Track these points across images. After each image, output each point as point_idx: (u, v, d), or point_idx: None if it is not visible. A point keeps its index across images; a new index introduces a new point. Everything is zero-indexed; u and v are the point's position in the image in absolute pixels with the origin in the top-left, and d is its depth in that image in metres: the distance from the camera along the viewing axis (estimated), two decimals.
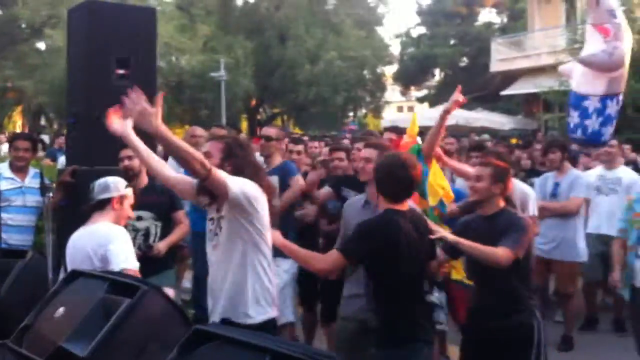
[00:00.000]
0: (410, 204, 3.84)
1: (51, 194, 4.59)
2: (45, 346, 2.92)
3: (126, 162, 4.93)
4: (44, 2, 27.61)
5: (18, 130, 33.07)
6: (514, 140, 14.30)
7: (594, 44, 6.91)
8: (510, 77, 24.20)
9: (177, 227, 5.07)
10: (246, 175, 3.34)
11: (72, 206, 4.77)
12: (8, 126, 33.42)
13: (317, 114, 32.01)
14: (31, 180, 5.53)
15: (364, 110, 36.00)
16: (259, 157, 7.70)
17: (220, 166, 3.30)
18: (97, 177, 4.18)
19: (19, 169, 5.54)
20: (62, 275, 3.88)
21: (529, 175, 6.96)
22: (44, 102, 29.50)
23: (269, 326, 3.38)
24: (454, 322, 5.05)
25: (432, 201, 4.83)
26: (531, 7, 25.00)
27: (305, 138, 9.99)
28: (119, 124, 3.26)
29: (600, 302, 7.23)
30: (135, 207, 4.22)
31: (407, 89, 39.31)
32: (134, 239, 4.67)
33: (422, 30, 37.43)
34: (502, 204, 4.04)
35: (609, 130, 7.19)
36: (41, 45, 31.64)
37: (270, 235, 3.46)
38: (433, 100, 34.97)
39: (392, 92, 40.03)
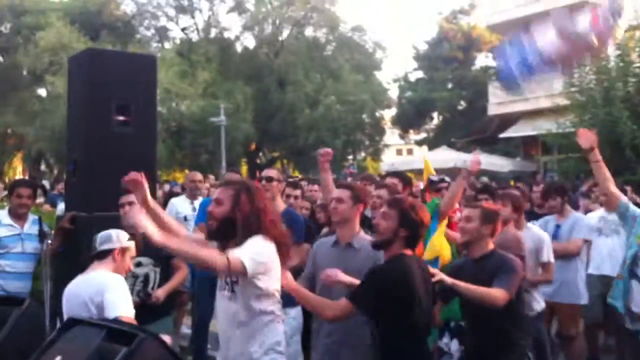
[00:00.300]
0: None
1: (50, 241, 4.57)
2: None
3: (127, 208, 4.92)
4: (45, 49, 27.96)
5: (18, 176, 33.15)
6: (511, 183, 14.30)
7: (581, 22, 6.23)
8: (508, 120, 24.36)
9: (176, 273, 5.04)
10: (255, 224, 3.29)
11: (70, 253, 4.76)
12: (8, 172, 33.54)
13: (316, 157, 32.11)
14: (30, 227, 5.49)
15: (363, 154, 36.14)
16: None
17: (231, 213, 3.29)
18: (96, 223, 4.18)
19: (19, 216, 5.51)
20: (59, 323, 3.85)
21: (527, 217, 6.94)
22: (44, 148, 29.64)
23: None
24: None
25: (428, 256, 4.82)
26: None
27: (304, 182, 9.99)
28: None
29: (602, 344, 7.15)
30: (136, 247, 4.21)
31: (405, 132, 39.47)
32: (133, 286, 4.64)
33: (420, 74, 37.77)
34: (491, 245, 4.07)
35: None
36: (42, 92, 31.98)
37: (282, 281, 3.43)
38: (432, 143, 35.09)
39: (391, 136, 40.20)
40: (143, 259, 4.79)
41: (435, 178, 6.17)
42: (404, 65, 62.07)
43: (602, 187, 4.95)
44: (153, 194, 6.44)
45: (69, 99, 6.20)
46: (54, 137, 24.85)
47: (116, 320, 3.48)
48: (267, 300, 3.32)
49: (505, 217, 4.83)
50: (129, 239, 4.05)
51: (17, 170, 37.43)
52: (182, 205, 7.31)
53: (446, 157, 20.78)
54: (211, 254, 3.17)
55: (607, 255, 6.58)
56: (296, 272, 4.13)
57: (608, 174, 4.78)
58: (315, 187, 8.84)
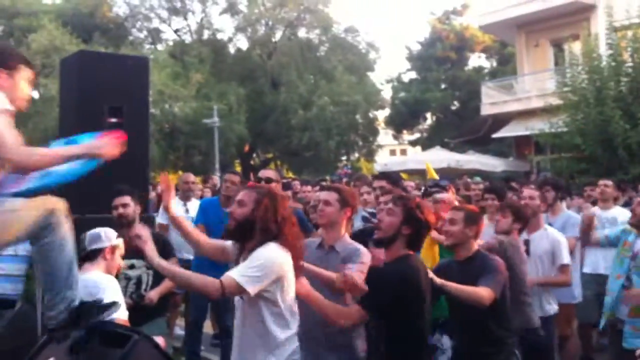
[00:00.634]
0: None
1: None
2: None
3: (120, 210, 4.91)
4: (37, 51, 27.85)
5: None
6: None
7: None
8: (501, 120, 24.39)
9: None
10: (273, 230, 3.28)
11: None
12: None
13: (310, 158, 32.17)
14: None
15: (356, 155, 36.17)
16: None
17: (251, 215, 3.30)
18: (88, 225, 4.16)
19: None
20: None
21: None
22: None
23: None
24: None
25: None
26: (520, 52, 25.34)
27: (296, 182, 10.00)
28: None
29: (595, 343, 7.16)
30: (127, 255, 4.20)
31: (399, 132, 39.57)
32: (125, 288, 4.64)
33: (413, 75, 37.87)
34: (475, 246, 4.14)
35: None
36: (34, 94, 31.86)
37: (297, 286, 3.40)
38: (425, 143, 35.19)
39: (385, 136, 40.28)
40: (136, 261, 4.79)
41: (430, 184, 6.23)
42: (397, 66, 62.12)
43: None
44: (146, 196, 6.46)
45: (61, 101, 6.19)
46: (47, 139, 24.73)
47: (109, 322, 3.47)
48: (278, 310, 3.28)
49: (505, 228, 4.84)
50: (117, 237, 4.05)
51: None
52: (174, 207, 7.29)
53: (439, 157, 20.82)
54: (204, 280, 3.18)
55: (601, 255, 6.59)
56: None
57: None
58: (309, 187, 8.85)
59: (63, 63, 6.44)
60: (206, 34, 34.10)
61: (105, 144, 3.15)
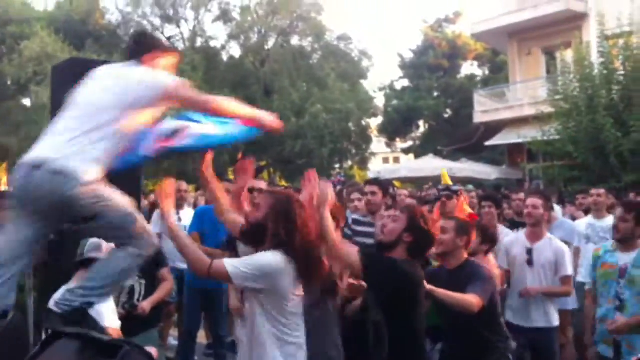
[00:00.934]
0: None
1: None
2: None
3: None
4: (29, 58, 27.80)
5: (3, 187, 32.83)
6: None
7: None
8: (494, 128, 24.46)
9: (161, 285, 5.01)
10: (284, 237, 3.23)
11: (55, 265, 4.70)
12: None
13: (303, 166, 32.13)
14: None
15: (349, 162, 36.18)
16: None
17: (264, 220, 3.27)
18: (80, 234, 4.12)
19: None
20: (44, 336, 3.79)
21: (513, 226, 6.94)
22: None
23: None
24: None
25: None
26: (512, 60, 25.44)
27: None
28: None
29: (593, 353, 7.13)
30: None
31: (392, 140, 39.60)
32: (118, 298, 4.60)
33: (406, 82, 37.94)
34: (465, 255, 4.20)
35: None
36: (27, 102, 31.76)
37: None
38: (418, 151, 35.21)
39: (378, 144, 40.30)
40: None
41: (441, 187, 6.25)
42: (390, 74, 62.29)
43: None
44: (138, 205, 6.41)
45: (53, 109, 6.12)
46: None
47: (101, 332, 3.43)
48: (273, 319, 3.23)
49: (473, 248, 4.70)
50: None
51: (2, 182, 37.14)
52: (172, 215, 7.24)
53: (432, 165, 20.81)
54: (197, 255, 3.18)
55: None
56: None
57: None
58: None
59: (54, 70, 6.39)
60: (199, 42, 34.15)
61: (269, 117, 3.39)
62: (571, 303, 6.29)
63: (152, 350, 3.38)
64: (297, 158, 30.91)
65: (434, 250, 4.31)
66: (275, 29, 33.41)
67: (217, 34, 33.73)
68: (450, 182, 6.08)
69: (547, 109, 17.55)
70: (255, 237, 3.33)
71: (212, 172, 3.85)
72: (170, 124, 3.38)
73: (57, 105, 6.06)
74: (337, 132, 30.73)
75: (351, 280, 3.69)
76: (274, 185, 11.63)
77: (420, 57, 36.66)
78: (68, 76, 5.83)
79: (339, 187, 11.63)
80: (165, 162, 29.53)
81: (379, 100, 38.17)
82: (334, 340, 3.75)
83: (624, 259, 4.67)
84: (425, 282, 3.77)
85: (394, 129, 37.11)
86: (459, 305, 3.80)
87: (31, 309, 4.31)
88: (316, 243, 3.37)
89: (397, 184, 16.30)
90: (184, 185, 7.81)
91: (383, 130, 38.02)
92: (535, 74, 23.75)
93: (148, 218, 8.37)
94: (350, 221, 5.88)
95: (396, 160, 47.77)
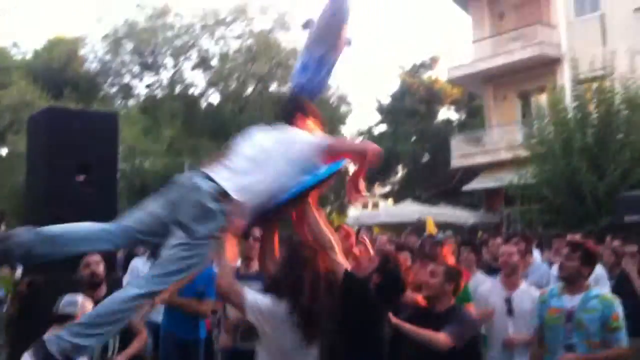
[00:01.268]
0: None
1: (5, 307, 4.43)
2: None
3: (93, 268, 4.84)
4: (6, 107, 27.69)
5: None
6: (479, 235, 14.39)
7: None
8: (471, 172, 24.67)
9: (136, 338, 4.91)
10: (294, 287, 3.25)
11: (27, 319, 4.61)
12: None
13: None
14: None
15: (328, 208, 36.14)
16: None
17: (277, 273, 3.36)
18: (54, 287, 4.06)
19: None
20: None
21: (489, 271, 6.92)
22: (5, 207, 29.03)
23: None
24: None
25: None
26: (488, 104, 25.81)
27: None
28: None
29: None
30: None
31: (371, 186, 39.71)
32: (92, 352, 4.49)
33: (384, 127, 38.24)
34: (452, 301, 4.20)
35: None
36: (3, 151, 31.51)
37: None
38: (397, 196, 35.32)
39: None
40: None
41: (425, 237, 6.23)
42: (368, 119, 62.95)
43: None
44: (113, 255, 6.33)
45: (29, 158, 6.11)
46: (15, 196, 24.39)
47: None
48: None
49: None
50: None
51: None
52: (143, 266, 7.13)
53: (411, 210, 20.88)
54: (225, 269, 3.22)
55: None
56: None
57: None
58: None
59: (31, 119, 6.39)
60: (178, 89, 34.26)
61: (373, 149, 3.48)
62: None
63: None
64: None
65: (422, 293, 4.34)
66: (254, 75, 33.66)
67: (196, 81, 34.01)
68: (434, 230, 6.06)
69: (523, 153, 17.76)
70: (271, 288, 3.35)
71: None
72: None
73: (33, 154, 6.05)
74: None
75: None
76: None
77: (397, 102, 37.04)
78: (44, 126, 5.85)
79: None
80: None
81: None
82: None
83: (571, 302, 4.57)
84: (391, 316, 3.81)
85: (372, 174, 37.23)
86: (425, 342, 3.86)
87: None
88: (324, 297, 3.33)
89: (376, 229, 16.30)
90: None
91: None
92: (511, 118, 24.08)
93: (124, 268, 8.27)
94: None
95: (375, 205, 47.83)
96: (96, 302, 4.20)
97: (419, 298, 4.38)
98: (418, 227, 16.48)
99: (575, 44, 21.79)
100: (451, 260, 5.42)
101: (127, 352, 4.75)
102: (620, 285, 6.74)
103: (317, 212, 3.61)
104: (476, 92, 29.05)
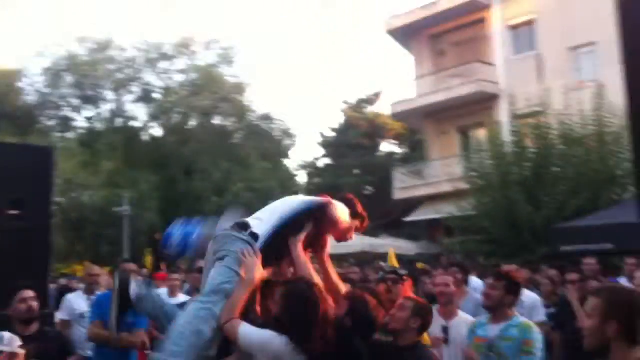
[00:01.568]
0: None
1: None
2: None
3: (30, 303, 4.74)
4: None
5: None
6: (420, 265, 14.50)
7: None
8: (413, 204, 24.98)
9: None
10: (298, 330, 3.22)
11: None
12: None
13: None
14: None
15: None
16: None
17: (280, 315, 3.34)
18: None
19: None
20: None
21: (432, 301, 6.97)
22: None
23: None
24: None
25: None
26: (429, 139, 26.29)
27: None
28: None
29: None
30: (26, 356, 4.00)
31: None
32: None
33: (327, 161, 38.48)
34: (417, 339, 4.13)
35: None
36: None
37: None
38: None
39: None
40: None
41: (388, 269, 6.13)
42: (312, 152, 63.26)
43: None
44: (45, 290, 6.16)
45: None
46: None
47: None
48: None
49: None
50: (20, 346, 3.89)
51: None
52: (77, 301, 6.87)
53: (354, 241, 20.70)
54: (228, 307, 3.37)
55: None
56: None
57: None
58: None
59: None
60: (119, 122, 33.80)
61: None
62: None
63: None
64: None
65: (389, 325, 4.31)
66: (197, 109, 33.50)
67: (138, 114, 33.74)
68: (397, 264, 6.02)
69: (463, 186, 18.08)
70: (278, 328, 3.31)
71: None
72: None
73: None
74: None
75: None
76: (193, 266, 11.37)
77: (341, 135, 37.40)
78: None
79: None
80: (79, 245, 28.73)
81: (301, 178, 38.55)
82: None
83: (493, 331, 4.64)
84: None
85: None
86: None
87: None
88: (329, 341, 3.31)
89: None
90: (95, 269, 7.54)
91: None
92: (451, 152, 24.55)
93: (57, 301, 8.05)
94: None
95: None
96: (27, 338, 4.11)
97: None
98: (361, 258, 16.57)
99: (513, 81, 22.53)
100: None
101: None
102: (562, 313, 6.89)
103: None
104: (418, 127, 29.56)
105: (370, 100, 39.46)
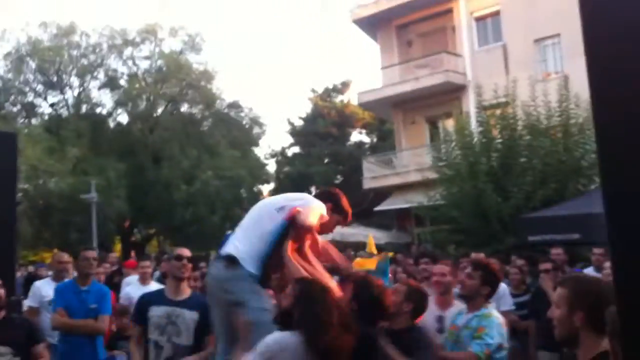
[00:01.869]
0: None
1: None
2: None
3: None
4: None
5: None
6: (391, 254, 14.54)
7: None
8: (383, 193, 25.07)
9: None
10: (306, 325, 3.21)
11: None
12: None
13: (193, 233, 31.57)
14: None
15: None
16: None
17: (291, 308, 3.33)
18: None
19: None
20: None
21: None
22: None
23: None
24: None
25: None
26: (398, 128, 26.36)
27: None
28: None
29: None
30: None
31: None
32: None
33: (297, 149, 38.44)
34: (412, 321, 4.23)
35: None
36: None
37: None
38: None
39: None
40: (2, 349, 4.48)
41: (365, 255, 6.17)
42: (282, 141, 63.12)
43: None
44: (12, 277, 6.04)
45: None
46: None
47: None
48: None
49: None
50: None
51: None
52: (45, 288, 6.78)
53: None
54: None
55: None
56: None
57: None
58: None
59: None
60: (84, 108, 33.27)
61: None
62: None
63: None
64: (188, 225, 30.36)
65: None
66: (165, 96, 33.14)
67: (104, 100, 33.30)
68: (375, 251, 6.00)
69: (432, 175, 18.16)
70: (284, 323, 3.33)
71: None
72: None
73: None
74: (228, 199, 30.51)
75: None
76: (164, 253, 11.31)
77: (310, 125, 37.38)
78: None
79: None
80: (46, 232, 28.32)
81: (271, 167, 38.44)
82: None
83: (463, 320, 4.72)
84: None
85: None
86: None
87: None
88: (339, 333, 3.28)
89: None
90: (65, 257, 7.40)
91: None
92: (420, 142, 24.68)
93: (25, 289, 7.91)
94: None
95: None
96: None
97: None
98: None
99: (479, 72, 22.71)
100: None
101: None
102: (537, 301, 6.95)
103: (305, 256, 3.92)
104: (386, 116, 29.62)
105: (338, 90, 39.48)
